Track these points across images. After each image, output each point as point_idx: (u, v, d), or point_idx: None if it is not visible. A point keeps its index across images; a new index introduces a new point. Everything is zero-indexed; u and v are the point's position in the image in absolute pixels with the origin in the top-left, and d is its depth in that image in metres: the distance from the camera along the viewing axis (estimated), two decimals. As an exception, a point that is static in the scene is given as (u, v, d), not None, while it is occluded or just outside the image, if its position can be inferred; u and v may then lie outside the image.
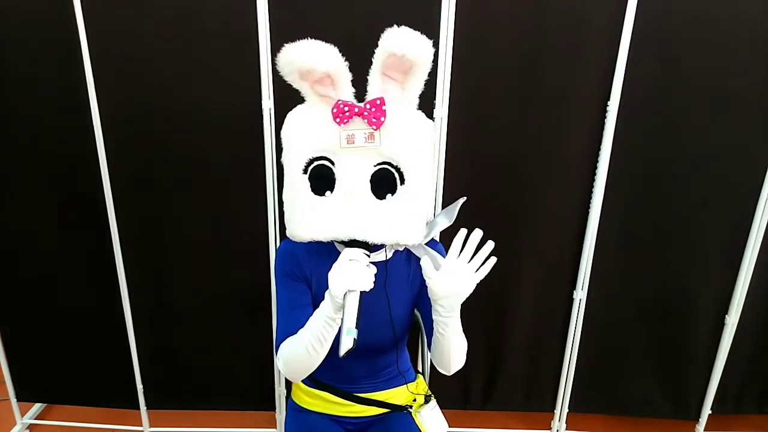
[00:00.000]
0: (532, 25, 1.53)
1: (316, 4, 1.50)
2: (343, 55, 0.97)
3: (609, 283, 1.79)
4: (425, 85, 1.02)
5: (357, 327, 0.93)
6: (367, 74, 0.99)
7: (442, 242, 1.18)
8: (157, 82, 1.58)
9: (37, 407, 2.14)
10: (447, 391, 1.87)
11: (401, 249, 1.15)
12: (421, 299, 1.17)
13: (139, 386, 1.92)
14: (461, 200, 1.13)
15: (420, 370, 1.41)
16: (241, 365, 1.92)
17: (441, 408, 1.30)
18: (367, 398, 1.26)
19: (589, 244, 1.73)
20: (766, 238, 1.71)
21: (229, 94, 1.57)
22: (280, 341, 1.09)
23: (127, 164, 1.66)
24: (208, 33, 1.53)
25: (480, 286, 0.98)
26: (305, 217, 1.02)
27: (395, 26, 0.95)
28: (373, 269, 0.98)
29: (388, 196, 1.01)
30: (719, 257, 1.76)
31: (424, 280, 0.99)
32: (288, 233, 1.05)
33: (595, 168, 1.66)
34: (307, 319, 1.04)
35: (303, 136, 1.01)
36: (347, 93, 1.00)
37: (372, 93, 0.99)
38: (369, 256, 1.00)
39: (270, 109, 1.56)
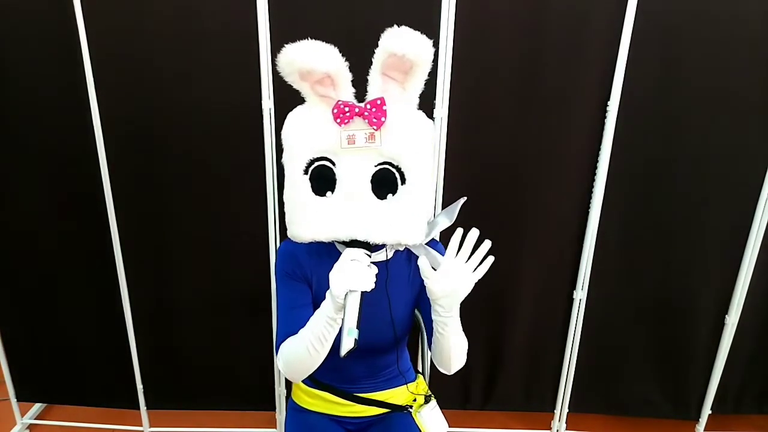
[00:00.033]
0: (532, 25, 1.53)
1: (316, 4, 1.50)
2: (343, 55, 0.97)
3: (609, 283, 1.79)
4: (425, 85, 1.02)
5: (358, 327, 0.93)
6: (367, 74, 0.99)
7: (442, 242, 1.18)
8: (157, 82, 1.58)
9: (37, 407, 2.14)
10: (447, 391, 1.88)
11: (402, 249, 1.15)
12: (421, 299, 1.17)
13: (139, 386, 1.92)
14: (462, 200, 1.13)
15: (420, 370, 1.41)
16: (241, 365, 1.92)
17: (441, 408, 1.30)
18: (367, 398, 1.26)
19: (589, 244, 1.73)
20: (766, 238, 1.71)
21: (229, 94, 1.57)
22: (280, 341, 1.09)
23: (127, 164, 1.66)
24: (208, 33, 1.53)
25: (480, 285, 0.98)
26: (306, 217, 1.02)
27: (395, 26, 0.94)
28: (375, 269, 0.98)
29: (389, 196, 1.01)
30: (719, 257, 1.76)
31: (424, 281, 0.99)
32: (289, 234, 1.05)
33: (595, 168, 1.66)
34: (308, 320, 1.04)
35: (303, 136, 1.01)
36: (347, 93, 1.00)
37: (372, 93, 0.99)
38: (370, 256, 1.00)
39: (270, 109, 1.56)
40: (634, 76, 1.55)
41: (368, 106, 0.96)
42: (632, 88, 1.56)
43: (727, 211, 1.70)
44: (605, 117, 1.60)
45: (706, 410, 1.94)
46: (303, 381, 1.27)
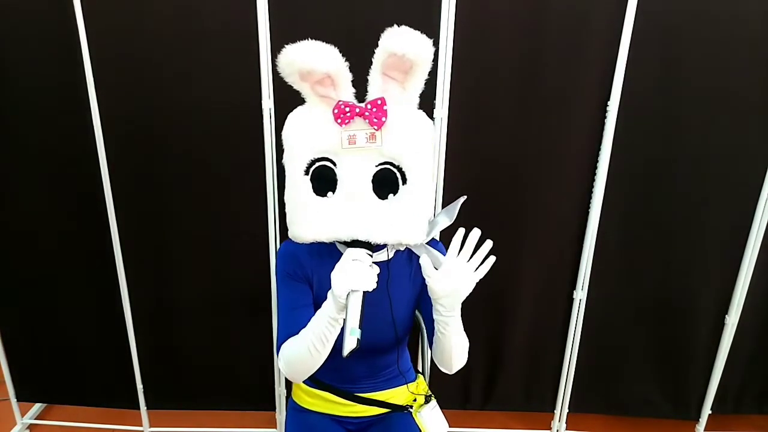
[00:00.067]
0: (532, 25, 1.53)
1: (316, 4, 1.50)
2: (343, 55, 0.97)
3: (609, 283, 1.80)
4: (425, 85, 1.02)
5: (361, 327, 0.93)
6: (368, 74, 0.99)
7: (443, 241, 1.18)
8: (157, 82, 1.58)
9: (37, 407, 2.14)
10: (447, 391, 1.88)
11: (403, 249, 1.15)
12: (422, 298, 1.17)
13: (139, 386, 1.92)
14: (461, 199, 1.13)
15: (420, 370, 1.41)
16: (241, 365, 1.92)
17: (441, 408, 1.30)
18: (368, 398, 1.26)
19: (589, 244, 1.73)
20: (766, 238, 1.71)
21: (229, 94, 1.57)
22: (281, 342, 1.09)
23: (127, 164, 1.66)
24: (208, 33, 1.53)
25: (480, 285, 0.98)
26: (307, 218, 1.02)
27: (395, 26, 0.94)
28: (376, 269, 0.98)
29: (390, 196, 1.01)
30: (719, 257, 1.76)
31: (425, 279, 0.99)
32: (290, 234, 1.05)
33: (595, 168, 1.66)
34: (309, 320, 1.04)
35: (304, 137, 1.01)
36: (348, 93, 1.00)
37: (372, 93, 0.99)
38: (372, 256, 1.00)
39: (270, 109, 1.56)
40: (634, 76, 1.55)
41: (369, 106, 0.96)
42: (632, 88, 1.56)
43: (727, 211, 1.70)
44: (605, 117, 1.60)
45: (706, 410, 1.95)
46: (303, 381, 1.28)
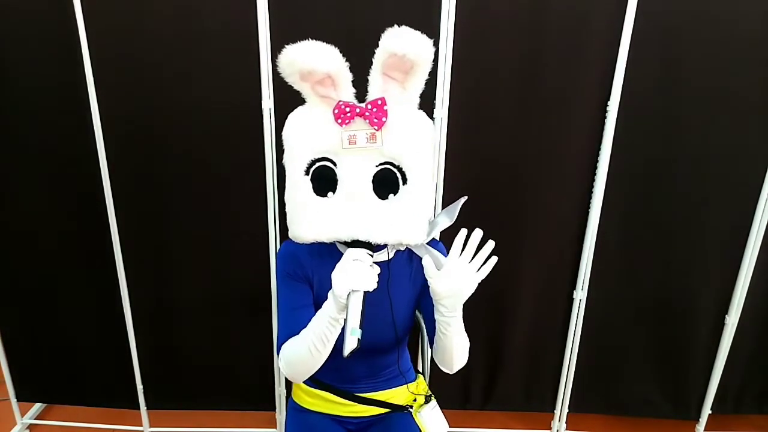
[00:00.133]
0: (532, 26, 1.53)
1: (316, 4, 1.50)
2: (343, 55, 0.97)
3: (609, 283, 1.80)
4: (425, 85, 1.02)
5: (361, 327, 0.93)
6: (368, 74, 0.99)
7: (443, 242, 1.18)
8: (157, 82, 1.58)
9: (37, 407, 2.14)
10: (447, 391, 1.88)
11: (403, 249, 1.15)
12: (423, 298, 1.17)
13: (139, 386, 1.92)
14: (462, 199, 1.13)
15: (420, 370, 1.41)
16: (241, 365, 1.92)
17: (441, 408, 1.30)
18: (368, 398, 1.26)
19: (589, 244, 1.73)
20: (766, 238, 1.71)
21: (229, 94, 1.57)
22: (281, 342, 1.09)
23: (127, 164, 1.66)
24: (208, 33, 1.53)
25: (481, 285, 0.98)
26: (307, 218, 1.02)
27: (395, 26, 0.94)
28: (377, 269, 0.98)
29: (391, 196, 1.01)
30: (719, 257, 1.76)
31: (426, 280, 0.99)
32: (290, 234, 1.05)
33: (595, 168, 1.66)
34: (309, 320, 1.04)
35: (304, 137, 1.01)
36: (348, 93, 1.00)
37: (373, 93, 0.99)
38: (372, 256, 1.00)
39: (270, 109, 1.56)
40: (634, 77, 1.55)
41: (369, 107, 0.96)
42: (632, 88, 1.57)
43: (727, 211, 1.70)
44: (605, 117, 1.60)
45: (706, 410, 1.95)
46: (303, 381, 1.27)
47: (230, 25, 1.51)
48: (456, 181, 1.65)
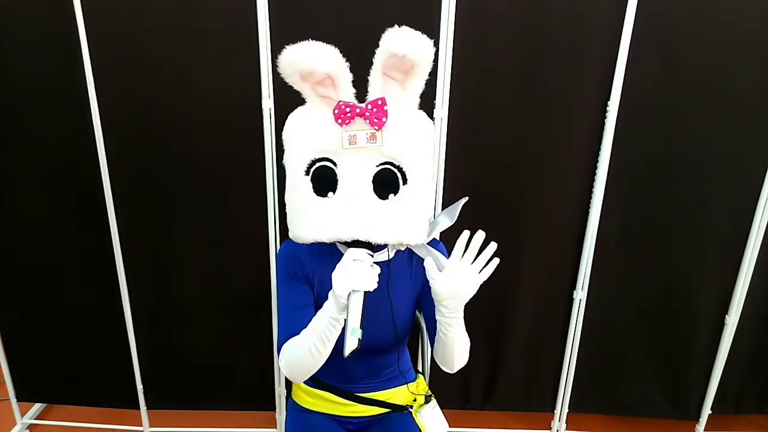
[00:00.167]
0: (532, 26, 1.53)
1: (316, 4, 1.50)
2: (343, 55, 0.97)
3: (609, 283, 1.80)
4: (425, 85, 1.02)
5: (362, 327, 0.93)
6: (368, 74, 0.99)
7: (443, 242, 1.18)
8: (157, 82, 1.58)
9: (37, 407, 2.14)
10: (447, 391, 1.88)
11: (403, 249, 1.15)
12: (423, 299, 1.18)
13: (139, 386, 1.92)
14: (463, 200, 1.13)
15: (420, 370, 1.41)
16: (241, 365, 1.92)
17: (441, 408, 1.30)
18: (368, 398, 1.26)
19: (589, 244, 1.73)
20: (766, 238, 1.71)
21: (229, 94, 1.57)
22: (282, 342, 1.09)
23: (127, 164, 1.66)
24: (208, 33, 1.53)
25: (481, 285, 0.98)
26: (308, 218, 1.02)
27: (395, 26, 0.94)
28: (377, 269, 0.98)
29: (391, 196, 1.01)
30: (719, 257, 1.76)
31: (426, 280, 0.99)
32: (291, 235, 1.05)
33: (595, 168, 1.66)
34: (310, 320, 1.04)
35: (304, 137, 1.01)
36: (348, 94, 1.00)
37: (373, 93, 0.99)
38: (373, 256, 1.00)
39: (270, 109, 1.56)
40: (634, 77, 1.55)
41: (369, 107, 0.96)
42: (632, 88, 1.56)
43: (727, 211, 1.70)
44: (605, 117, 1.60)
45: (706, 410, 1.95)
46: (303, 381, 1.27)
47: (230, 25, 1.51)
48: (456, 181, 1.65)
